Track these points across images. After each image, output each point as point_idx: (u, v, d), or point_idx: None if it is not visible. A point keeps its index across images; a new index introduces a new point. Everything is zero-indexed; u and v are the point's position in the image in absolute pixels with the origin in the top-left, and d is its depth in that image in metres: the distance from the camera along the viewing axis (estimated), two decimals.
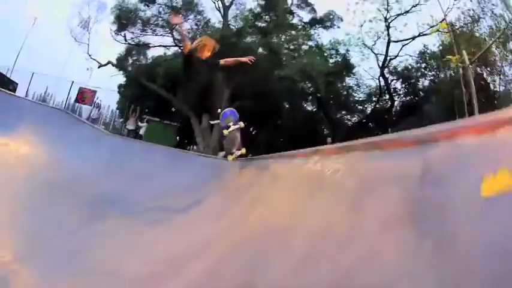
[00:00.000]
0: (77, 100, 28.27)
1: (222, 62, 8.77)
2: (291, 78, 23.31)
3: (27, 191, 10.35)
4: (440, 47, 25.31)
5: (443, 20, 19.59)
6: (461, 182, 1.77)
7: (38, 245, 7.06)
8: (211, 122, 9.75)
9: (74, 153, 14.48)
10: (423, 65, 27.32)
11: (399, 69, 27.76)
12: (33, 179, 11.23)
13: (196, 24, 26.26)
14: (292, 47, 25.31)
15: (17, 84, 25.81)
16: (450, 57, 15.40)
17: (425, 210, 2.09)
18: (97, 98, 27.14)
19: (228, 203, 8.25)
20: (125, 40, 27.35)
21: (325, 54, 26.61)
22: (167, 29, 26.06)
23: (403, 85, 28.95)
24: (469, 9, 24.63)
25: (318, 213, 4.30)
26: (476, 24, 24.55)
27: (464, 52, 15.63)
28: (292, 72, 22.88)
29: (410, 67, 27.60)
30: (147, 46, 28.54)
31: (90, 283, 5.51)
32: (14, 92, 23.34)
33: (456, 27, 23.58)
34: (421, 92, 27.73)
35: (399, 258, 2.10)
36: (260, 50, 24.09)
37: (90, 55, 28.42)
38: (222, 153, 9.96)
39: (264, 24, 25.05)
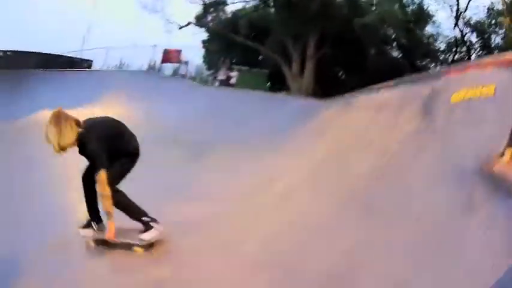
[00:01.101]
0: (162, 61, 28.65)
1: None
2: (373, 25, 23.41)
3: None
4: (504, 6, 24.34)
5: None
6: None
7: (153, 177, 8.44)
8: None
9: (170, 107, 15.95)
10: (492, 21, 26.72)
11: (472, 22, 27.30)
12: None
13: None
14: None
15: (92, 61, 26.99)
16: (502, 19, 15.07)
17: None
18: (183, 56, 27.47)
19: (317, 138, 9.47)
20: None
21: (403, 1, 26.43)
22: None
23: (478, 39, 28.37)
24: None
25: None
26: None
27: None
28: (372, 20, 23.16)
29: (482, 21, 27.13)
30: (224, 4, 29.59)
31: (200, 205, 6.92)
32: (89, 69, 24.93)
33: None
34: (496, 50, 26.28)
35: None
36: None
37: (168, 20, 29.23)
38: None
39: None
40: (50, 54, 22.79)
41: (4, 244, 5.58)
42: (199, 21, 30.01)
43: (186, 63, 26.22)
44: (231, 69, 24.80)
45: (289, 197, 6.58)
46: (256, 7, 29.05)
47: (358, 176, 5.88)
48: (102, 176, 4.91)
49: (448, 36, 27.99)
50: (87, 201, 5.55)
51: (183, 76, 25.71)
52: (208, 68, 34.71)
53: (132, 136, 5.99)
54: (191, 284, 4.52)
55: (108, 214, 5.06)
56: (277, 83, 24.34)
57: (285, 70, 25.43)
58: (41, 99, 15.49)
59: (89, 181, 5.36)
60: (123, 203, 5.26)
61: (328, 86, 24.85)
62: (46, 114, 11.26)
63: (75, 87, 18.06)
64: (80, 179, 5.60)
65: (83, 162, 5.50)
